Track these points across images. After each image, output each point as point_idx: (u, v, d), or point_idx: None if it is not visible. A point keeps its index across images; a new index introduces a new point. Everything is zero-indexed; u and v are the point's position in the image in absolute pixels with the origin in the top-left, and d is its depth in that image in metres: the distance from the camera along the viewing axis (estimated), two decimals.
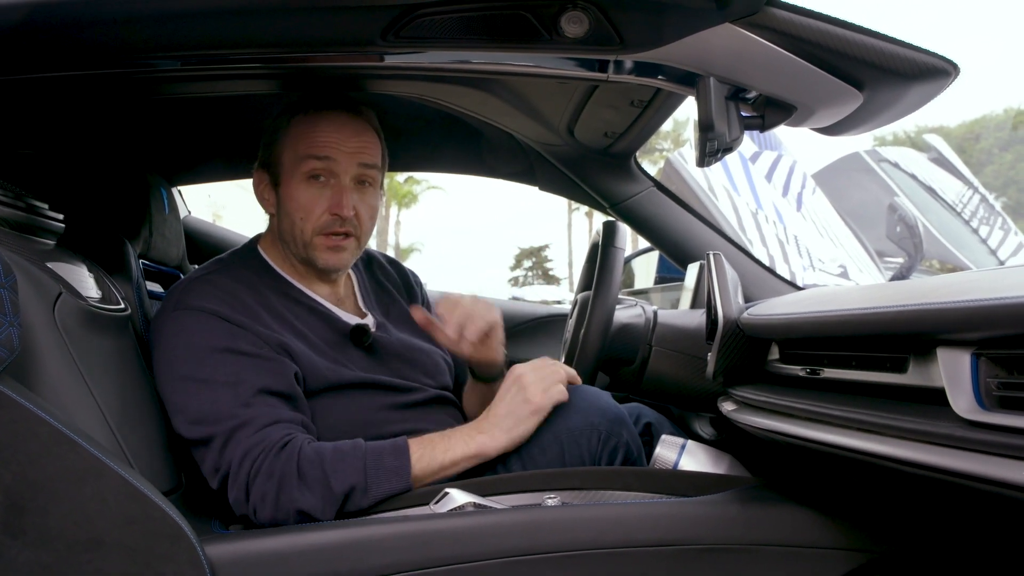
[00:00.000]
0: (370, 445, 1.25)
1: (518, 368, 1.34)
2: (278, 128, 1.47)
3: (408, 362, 1.54)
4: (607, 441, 1.33)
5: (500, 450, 1.29)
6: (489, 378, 1.59)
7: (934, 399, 0.86)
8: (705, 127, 1.22)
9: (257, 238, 1.56)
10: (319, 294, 1.50)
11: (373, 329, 1.52)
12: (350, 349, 1.47)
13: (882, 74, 1.11)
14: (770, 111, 1.28)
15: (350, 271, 1.62)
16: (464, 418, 1.58)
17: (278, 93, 1.54)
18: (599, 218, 1.94)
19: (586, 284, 1.84)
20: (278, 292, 1.45)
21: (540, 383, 1.31)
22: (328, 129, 1.43)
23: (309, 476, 1.18)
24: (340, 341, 1.46)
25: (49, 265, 1.20)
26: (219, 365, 1.28)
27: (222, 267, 1.47)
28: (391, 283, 1.71)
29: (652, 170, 2.00)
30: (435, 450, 1.27)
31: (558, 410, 1.34)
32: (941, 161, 4.65)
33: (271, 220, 1.53)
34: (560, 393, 1.32)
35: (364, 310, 1.58)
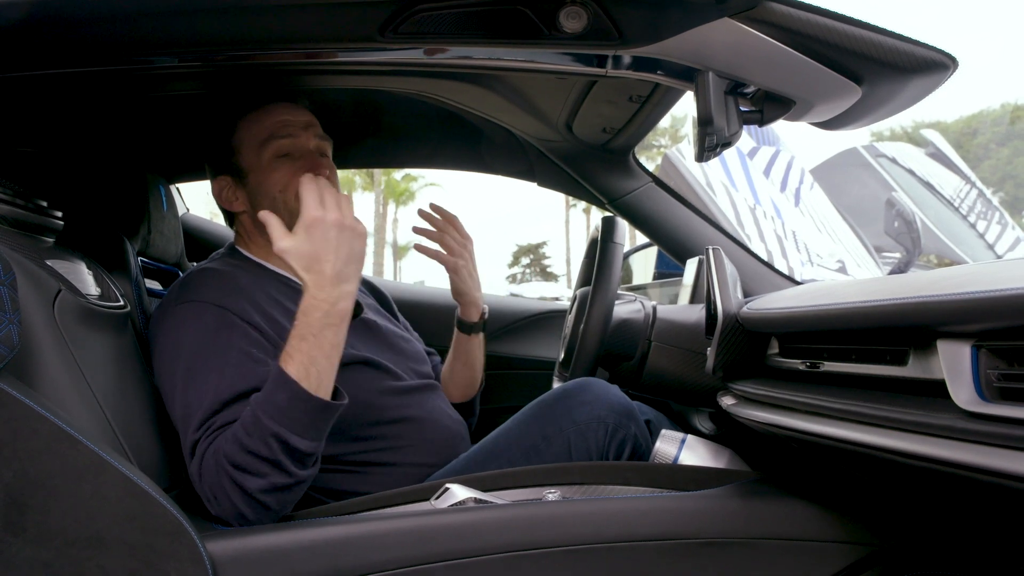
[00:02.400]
0: (258, 396, 1.18)
1: (313, 212, 1.22)
2: (224, 132, 1.51)
3: (395, 349, 1.57)
4: (615, 434, 1.33)
5: (354, 298, 1.24)
6: (472, 325, 1.69)
7: (934, 391, 0.86)
8: (704, 122, 1.22)
9: (232, 244, 1.58)
10: None
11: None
12: None
13: (880, 68, 1.11)
14: (769, 106, 1.28)
15: None
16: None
17: (265, 92, 1.54)
18: (597, 215, 1.95)
19: (585, 280, 1.84)
20: (268, 278, 1.47)
21: (344, 211, 1.24)
22: (280, 113, 1.49)
23: (243, 463, 1.15)
24: None
25: (48, 263, 1.20)
26: (209, 360, 1.28)
27: (214, 261, 1.50)
28: (362, 287, 1.76)
29: (650, 166, 2.00)
30: (314, 356, 1.18)
31: (565, 404, 1.35)
32: (938, 156, 4.66)
33: (241, 221, 1.54)
34: (348, 202, 1.25)
35: None
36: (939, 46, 1.10)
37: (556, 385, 1.58)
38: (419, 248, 1.67)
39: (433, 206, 1.66)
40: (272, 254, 1.51)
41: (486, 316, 1.73)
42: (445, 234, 1.66)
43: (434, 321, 1.98)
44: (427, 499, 1.20)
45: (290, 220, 1.45)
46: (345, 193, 1.28)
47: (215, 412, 1.23)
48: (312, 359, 1.17)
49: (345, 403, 1.22)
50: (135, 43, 1.16)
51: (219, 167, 1.53)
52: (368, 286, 1.80)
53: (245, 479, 1.15)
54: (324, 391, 1.18)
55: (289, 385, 1.16)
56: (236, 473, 1.16)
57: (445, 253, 1.65)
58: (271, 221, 1.24)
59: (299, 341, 1.18)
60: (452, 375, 1.74)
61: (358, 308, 1.50)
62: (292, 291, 1.47)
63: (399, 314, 1.81)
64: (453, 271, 1.67)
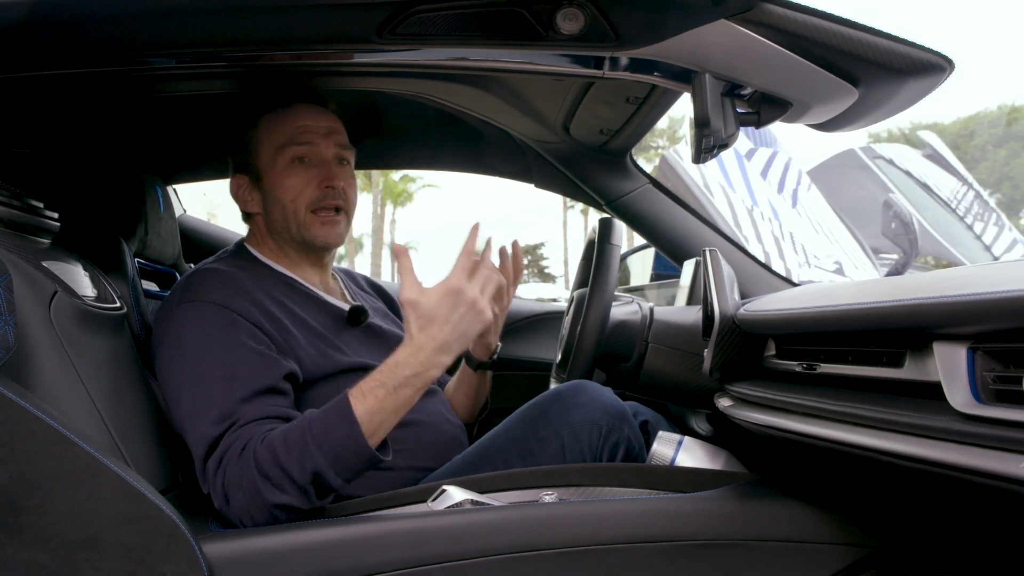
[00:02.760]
0: (315, 418, 1.18)
1: (454, 281, 1.19)
2: (247, 130, 1.51)
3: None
4: (608, 437, 1.33)
5: (442, 361, 1.21)
6: (481, 363, 1.65)
7: (930, 393, 0.86)
8: (701, 123, 1.22)
9: (242, 240, 1.58)
10: (311, 282, 1.53)
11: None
12: (347, 333, 1.49)
13: (877, 70, 1.12)
14: (766, 107, 1.28)
15: (335, 274, 1.65)
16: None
17: (272, 91, 1.54)
18: (595, 216, 1.95)
19: (582, 281, 1.84)
20: (275, 280, 1.47)
21: (480, 290, 1.21)
22: (301, 117, 1.49)
23: (272, 475, 1.16)
24: (336, 326, 1.48)
25: (45, 264, 1.19)
26: (217, 359, 1.27)
27: (219, 261, 1.49)
28: (370, 289, 1.77)
29: (648, 167, 2.00)
30: (384, 405, 1.18)
31: (559, 406, 1.35)
32: (936, 157, 4.66)
33: (255, 220, 1.54)
34: (493, 286, 1.23)
35: (352, 301, 1.61)
36: (936, 48, 1.10)
37: (553, 386, 1.58)
38: None
39: (516, 248, 1.56)
40: (281, 257, 1.51)
41: (496, 355, 1.68)
42: (504, 281, 1.52)
43: None
44: (424, 501, 1.20)
45: (297, 230, 1.47)
46: (497, 278, 1.26)
47: (234, 410, 1.23)
48: (381, 408, 1.18)
49: (389, 459, 1.22)
50: (131, 44, 1.16)
51: (237, 165, 1.54)
52: (377, 289, 1.80)
53: (267, 489, 1.16)
54: (376, 441, 1.19)
55: (352, 425, 1.16)
56: (261, 481, 1.16)
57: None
58: (406, 269, 1.21)
59: (377, 387, 1.19)
60: (453, 403, 1.70)
61: (363, 315, 1.51)
62: (296, 293, 1.47)
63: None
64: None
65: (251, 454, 1.18)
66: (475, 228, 1.26)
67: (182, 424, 1.27)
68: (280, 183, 1.47)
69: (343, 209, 1.50)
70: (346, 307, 1.52)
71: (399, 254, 1.24)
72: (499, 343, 1.68)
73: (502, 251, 1.55)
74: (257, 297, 1.37)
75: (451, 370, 1.69)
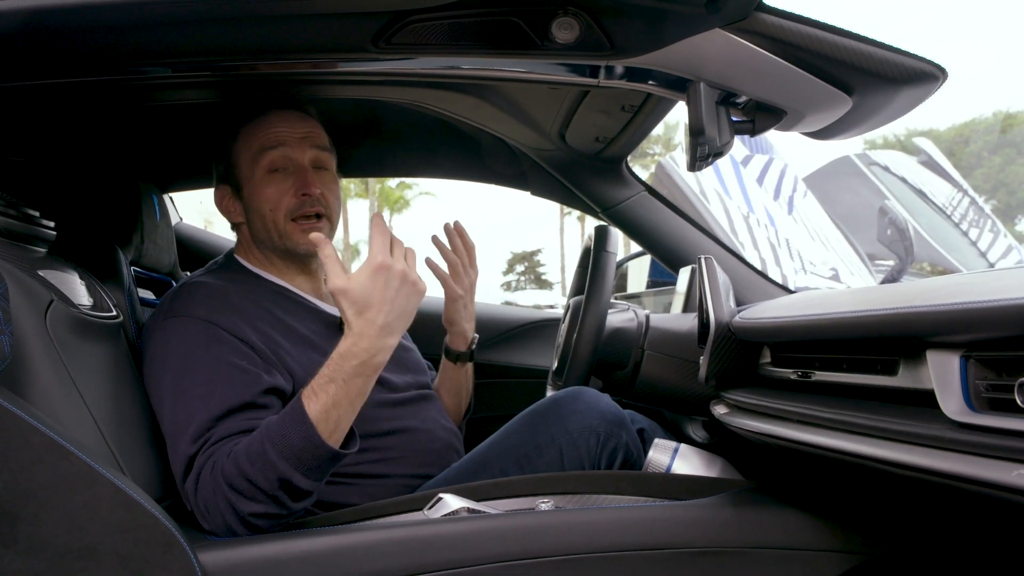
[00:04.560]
0: (272, 425, 1.17)
1: (380, 258, 1.17)
2: (227, 143, 1.51)
3: (394, 360, 1.55)
4: (606, 443, 1.33)
5: (388, 343, 1.20)
6: (460, 354, 1.67)
7: (924, 401, 0.86)
8: (696, 132, 1.22)
9: (231, 251, 1.57)
10: (302, 290, 1.52)
11: None
12: (338, 340, 1.47)
13: (871, 78, 1.12)
14: (760, 116, 1.29)
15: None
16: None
17: (270, 99, 1.54)
18: (591, 223, 1.95)
19: (578, 289, 1.85)
20: (264, 289, 1.46)
21: (407, 263, 1.20)
22: (275, 122, 1.48)
23: (241, 488, 1.15)
24: (329, 332, 1.46)
25: (40, 273, 1.19)
26: (198, 375, 1.27)
27: (208, 273, 1.49)
28: None
29: (643, 174, 2.00)
30: (339, 401, 1.16)
31: (556, 413, 1.35)
32: (931, 164, 4.68)
33: (240, 230, 1.54)
34: (413, 257, 1.22)
35: None
36: (930, 56, 1.11)
37: (550, 394, 1.58)
38: (429, 263, 1.63)
39: (458, 227, 1.64)
40: (268, 265, 1.51)
41: (474, 345, 1.70)
42: (459, 260, 1.63)
43: (427, 329, 1.97)
44: (420, 509, 1.20)
45: (280, 240, 1.46)
46: (408, 247, 1.24)
47: (209, 428, 1.22)
48: (336, 403, 1.16)
49: (355, 450, 1.21)
50: (128, 54, 1.16)
51: (219, 176, 1.54)
52: None
53: (239, 501, 1.15)
54: (338, 436, 1.17)
55: (306, 427, 1.14)
56: (232, 494, 1.15)
57: (450, 277, 1.63)
58: (330, 258, 1.20)
59: (327, 382, 1.17)
60: (441, 395, 1.71)
61: None
62: (288, 301, 1.46)
63: None
64: (451, 299, 1.65)
65: (219, 471, 1.17)
66: (377, 215, 1.24)
67: (167, 440, 1.27)
68: (258, 193, 1.46)
69: (324, 215, 1.48)
70: (339, 313, 1.51)
71: (319, 243, 1.22)
72: (475, 334, 1.70)
73: (446, 228, 1.59)
74: (245, 310, 1.36)
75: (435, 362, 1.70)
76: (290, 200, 1.45)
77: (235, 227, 1.56)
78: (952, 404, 0.80)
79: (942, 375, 0.82)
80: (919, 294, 0.89)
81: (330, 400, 1.16)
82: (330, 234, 1.51)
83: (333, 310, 1.52)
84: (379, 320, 1.17)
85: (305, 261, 1.53)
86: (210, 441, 1.21)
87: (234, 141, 1.50)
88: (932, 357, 0.84)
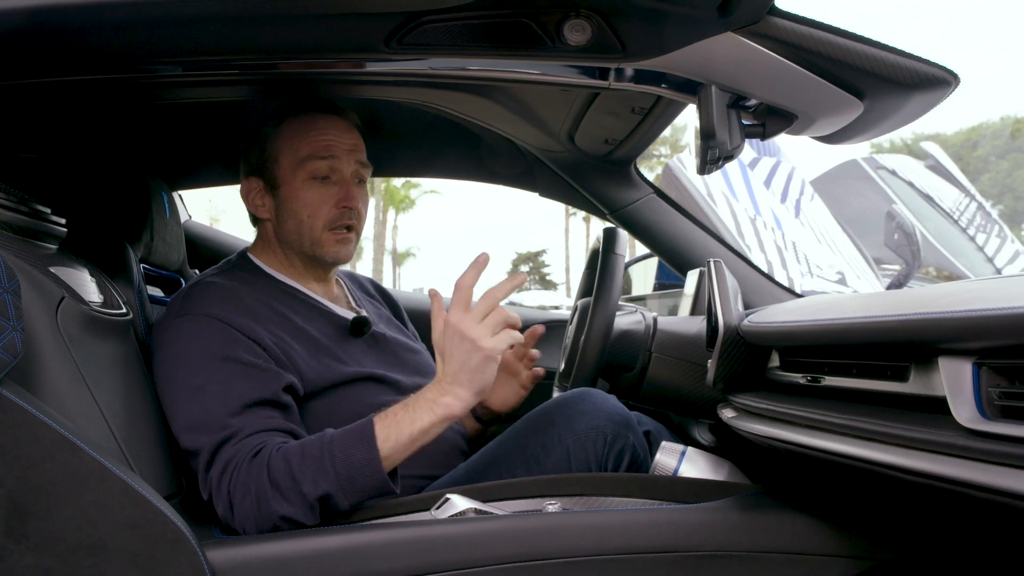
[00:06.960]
0: (336, 438, 1.20)
1: (452, 316, 1.22)
2: (266, 134, 1.50)
3: (403, 362, 1.56)
4: (612, 444, 1.33)
5: (466, 407, 1.23)
6: (490, 418, 1.65)
7: (935, 408, 0.86)
8: (707, 135, 1.22)
9: (246, 249, 1.57)
10: (315, 292, 1.52)
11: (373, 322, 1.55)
12: (350, 343, 1.48)
13: (882, 84, 1.12)
14: (771, 119, 1.28)
15: (339, 279, 1.65)
16: None
17: (279, 99, 1.54)
18: (596, 223, 1.95)
19: (586, 290, 1.85)
20: (277, 291, 1.47)
21: (485, 328, 1.21)
22: (326, 129, 1.47)
23: (282, 485, 1.16)
24: (340, 336, 1.48)
25: (52, 269, 1.20)
26: (214, 372, 1.27)
27: (220, 272, 1.49)
28: (376, 293, 1.77)
29: (651, 176, 2.00)
30: (401, 425, 1.21)
31: (563, 414, 1.35)
32: (938, 169, 4.68)
33: (264, 227, 1.54)
34: (508, 335, 1.23)
35: (357, 308, 1.61)
36: (941, 62, 1.11)
37: (556, 395, 1.58)
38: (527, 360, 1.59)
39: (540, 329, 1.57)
40: (286, 267, 1.52)
41: (505, 414, 1.64)
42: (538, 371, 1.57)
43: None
44: (427, 509, 1.20)
45: (310, 246, 1.48)
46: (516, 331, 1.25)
47: (231, 421, 1.23)
48: (400, 429, 1.20)
49: (397, 492, 1.23)
50: (140, 52, 1.17)
51: (252, 168, 1.52)
52: (382, 293, 1.79)
53: (274, 498, 1.16)
54: (389, 464, 1.20)
55: (371, 446, 1.18)
56: (270, 488, 1.16)
57: (530, 371, 1.58)
58: (436, 311, 1.25)
59: (402, 407, 1.22)
60: None
61: (366, 327, 1.50)
62: (299, 303, 1.47)
63: (409, 322, 1.80)
64: (515, 382, 1.59)
65: (264, 461, 1.18)
66: (481, 260, 1.27)
67: (179, 435, 1.27)
68: (298, 196, 1.46)
69: (354, 227, 1.50)
70: (350, 316, 1.52)
71: (432, 296, 1.27)
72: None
73: (535, 331, 1.56)
74: (257, 312, 1.37)
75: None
76: (331, 210, 1.46)
77: (258, 222, 1.55)
78: (964, 411, 0.80)
79: (954, 382, 0.82)
80: (931, 300, 0.89)
81: (395, 424, 1.21)
82: (355, 246, 1.54)
83: (343, 312, 1.53)
84: (448, 370, 1.22)
85: (326, 268, 1.54)
86: (242, 433, 1.22)
87: (276, 134, 1.48)
88: (944, 364, 0.84)
